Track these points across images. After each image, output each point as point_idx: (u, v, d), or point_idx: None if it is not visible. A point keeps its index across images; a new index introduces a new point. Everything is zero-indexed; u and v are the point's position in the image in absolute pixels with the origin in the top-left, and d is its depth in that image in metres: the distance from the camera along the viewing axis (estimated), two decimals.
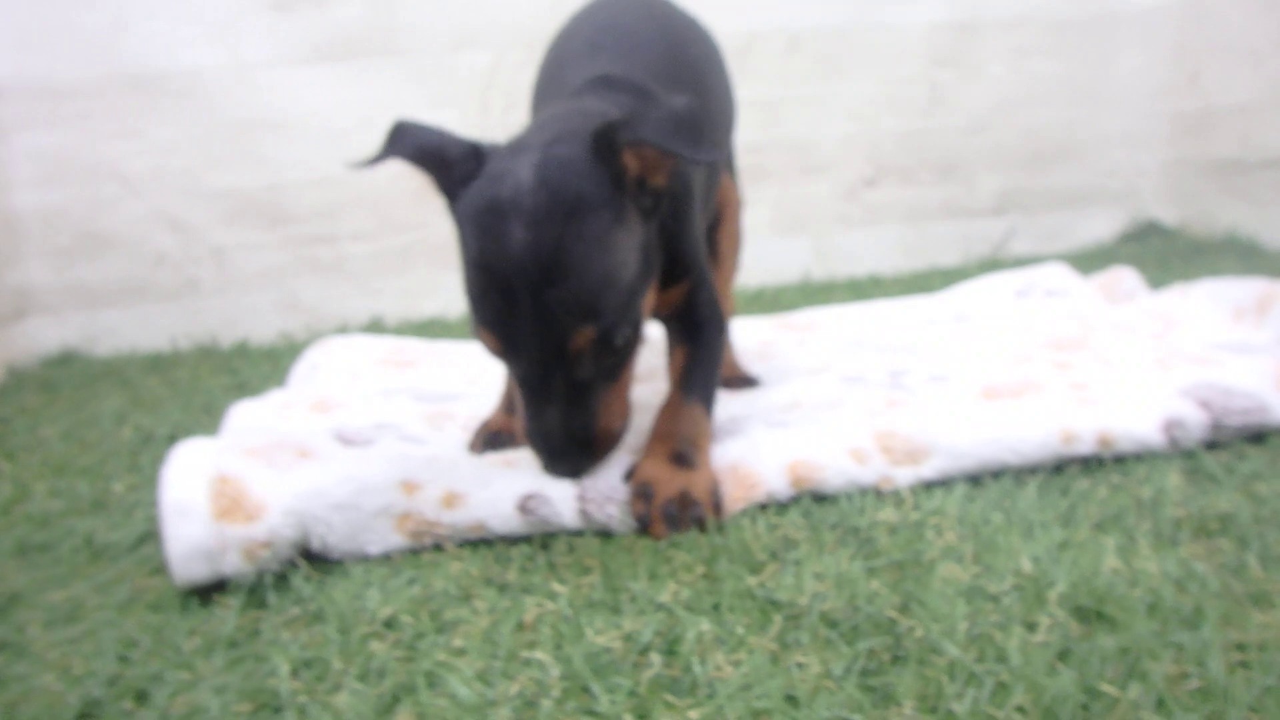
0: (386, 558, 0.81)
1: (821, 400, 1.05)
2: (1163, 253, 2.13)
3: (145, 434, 1.24)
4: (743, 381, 1.23)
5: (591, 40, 1.04)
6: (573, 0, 1.78)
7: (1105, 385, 0.99)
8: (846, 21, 2.14)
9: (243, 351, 1.80)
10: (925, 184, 2.28)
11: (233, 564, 0.74)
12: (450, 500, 0.81)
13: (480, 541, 0.82)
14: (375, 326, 1.91)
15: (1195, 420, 0.90)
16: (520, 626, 0.68)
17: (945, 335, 1.36)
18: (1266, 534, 0.73)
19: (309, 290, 1.93)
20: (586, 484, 0.82)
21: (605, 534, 0.82)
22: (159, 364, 1.71)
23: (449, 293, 1.90)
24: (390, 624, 0.69)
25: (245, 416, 1.10)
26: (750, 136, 2.09)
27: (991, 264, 2.24)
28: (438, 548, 0.82)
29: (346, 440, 0.98)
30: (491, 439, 0.99)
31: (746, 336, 1.44)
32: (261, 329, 1.90)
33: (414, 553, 0.81)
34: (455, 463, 0.87)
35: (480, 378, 1.32)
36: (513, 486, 0.82)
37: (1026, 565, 0.69)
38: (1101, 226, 2.39)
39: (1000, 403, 0.98)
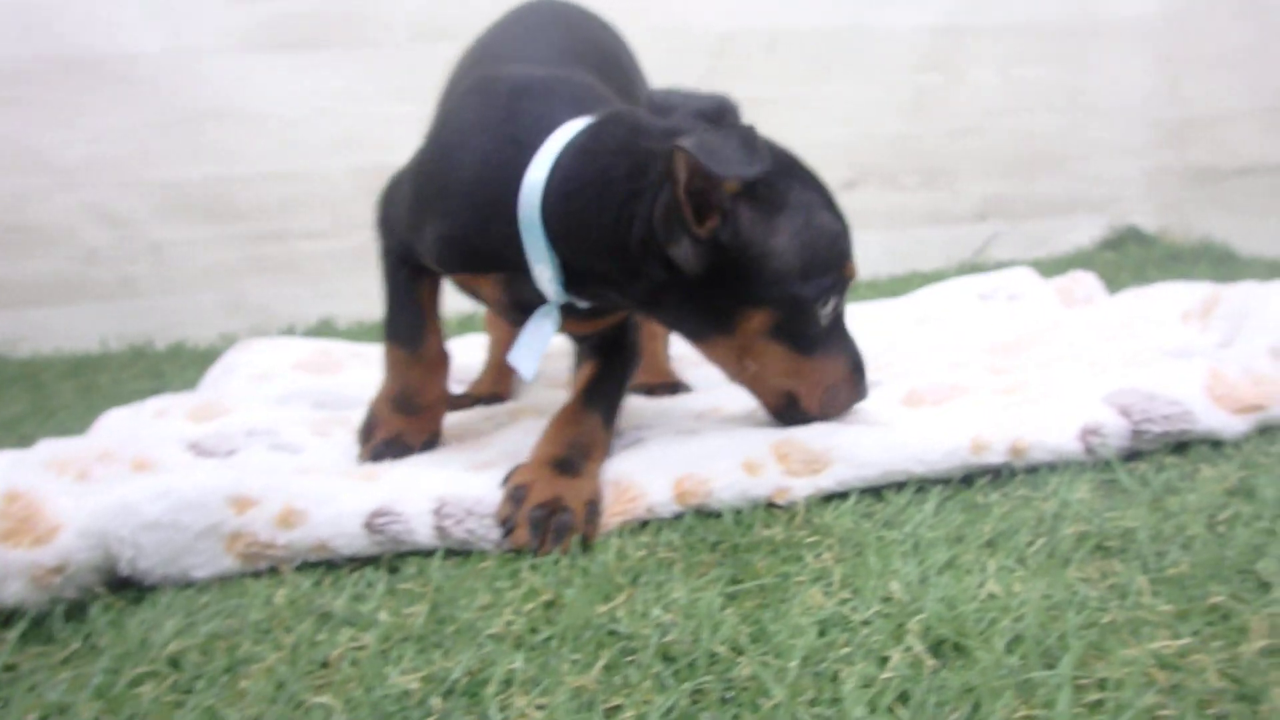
0: (213, 583, 0.74)
1: (743, 408, 0.98)
2: (1140, 260, 2.07)
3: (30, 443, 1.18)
4: (669, 388, 1.17)
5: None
6: None
7: (1033, 391, 0.92)
8: (829, 23, 2.09)
9: (177, 354, 1.75)
10: (908, 188, 2.22)
11: (15, 592, 0.67)
12: (288, 518, 0.74)
13: (324, 563, 0.76)
14: (326, 329, 1.86)
15: (1114, 428, 0.83)
16: (322, 665, 0.61)
17: (900, 339, 1.30)
18: (1166, 553, 0.66)
19: (256, 290, 1.88)
20: (446, 497, 0.76)
21: (465, 553, 0.76)
22: (82, 367, 1.66)
23: None
24: (175, 662, 0.63)
25: (114, 426, 1.05)
26: None
27: (972, 269, 2.18)
28: (274, 570, 0.75)
29: (204, 451, 0.93)
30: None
31: None
32: (203, 330, 1.85)
33: (253, 575, 0.75)
34: (298, 475, 0.81)
35: None
36: (360, 502, 0.76)
37: (896, 590, 0.62)
38: (1083, 233, 2.33)
39: (921, 410, 0.92)
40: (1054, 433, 0.82)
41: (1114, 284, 1.88)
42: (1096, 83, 2.24)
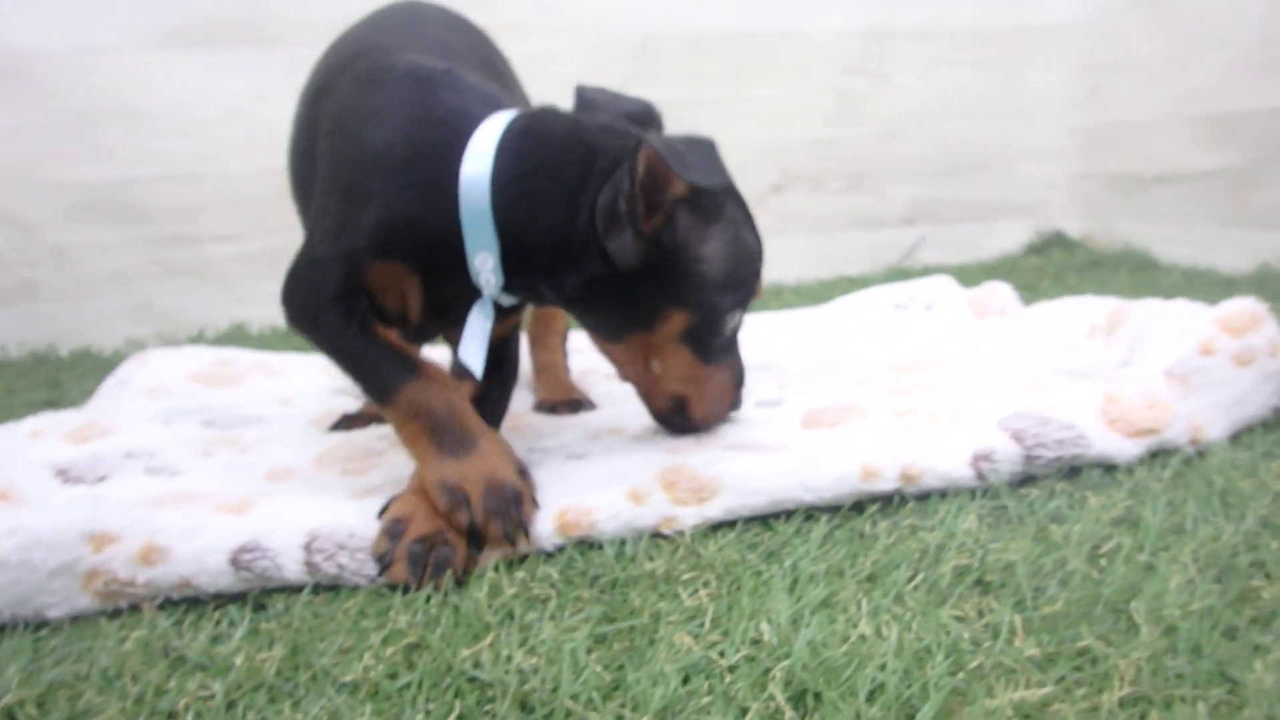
0: (65, 623, 0.69)
1: (642, 427, 0.96)
2: (1062, 266, 2.09)
3: None
4: (570, 406, 1.14)
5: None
6: None
7: (929, 414, 0.91)
8: (753, 27, 2.07)
9: (81, 360, 1.66)
10: (834, 192, 2.21)
11: None
12: (149, 555, 0.70)
13: (187, 601, 0.71)
14: (238, 334, 1.78)
15: (1006, 453, 0.82)
16: (168, 717, 0.57)
17: (811, 351, 1.28)
18: (1044, 589, 0.65)
19: (164, 295, 1.80)
20: (318, 530, 0.72)
21: (336, 588, 0.72)
22: None
23: None
24: (10, 715, 0.58)
25: None
26: None
27: (899, 274, 2.19)
28: (135, 608, 0.71)
29: (72, 478, 0.87)
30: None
31: None
32: (108, 337, 1.76)
33: (111, 615, 0.70)
34: (162, 508, 0.76)
35: (299, 398, 1.21)
36: (227, 537, 0.71)
37: (766, 632, 0.60)
38: (1009, 238, 2.36)
39: (817, 432, 0.90)
40: (945, 459, 0.80)
41: (1036, 290, 1.91)
42: (1020, 88, 2.26)
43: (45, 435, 0.99)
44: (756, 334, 1.41)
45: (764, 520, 0.78)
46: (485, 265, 0.81)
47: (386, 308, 0.84)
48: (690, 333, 0.84)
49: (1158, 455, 0.86)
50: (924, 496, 0.80)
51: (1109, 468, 0.84)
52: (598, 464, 0.83)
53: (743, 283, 0.86)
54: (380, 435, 1.02)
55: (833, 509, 0.79)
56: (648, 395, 0.91)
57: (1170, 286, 1.80)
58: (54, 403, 1.36)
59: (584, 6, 1.95)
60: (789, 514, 0.78)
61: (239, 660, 0.62)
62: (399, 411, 0.79)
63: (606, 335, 0.88)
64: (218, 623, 0.69)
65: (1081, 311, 1.22)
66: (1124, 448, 0.84)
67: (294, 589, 0.72)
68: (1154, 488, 0.80)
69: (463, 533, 0.72)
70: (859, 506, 0.79)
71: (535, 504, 0.76)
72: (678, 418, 0.90)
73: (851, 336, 1.31)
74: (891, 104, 2.19)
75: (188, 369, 1.29)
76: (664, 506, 0.76)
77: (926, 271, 2.20)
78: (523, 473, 0.77)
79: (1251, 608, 0.62)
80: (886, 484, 0.79)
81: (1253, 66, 1.84)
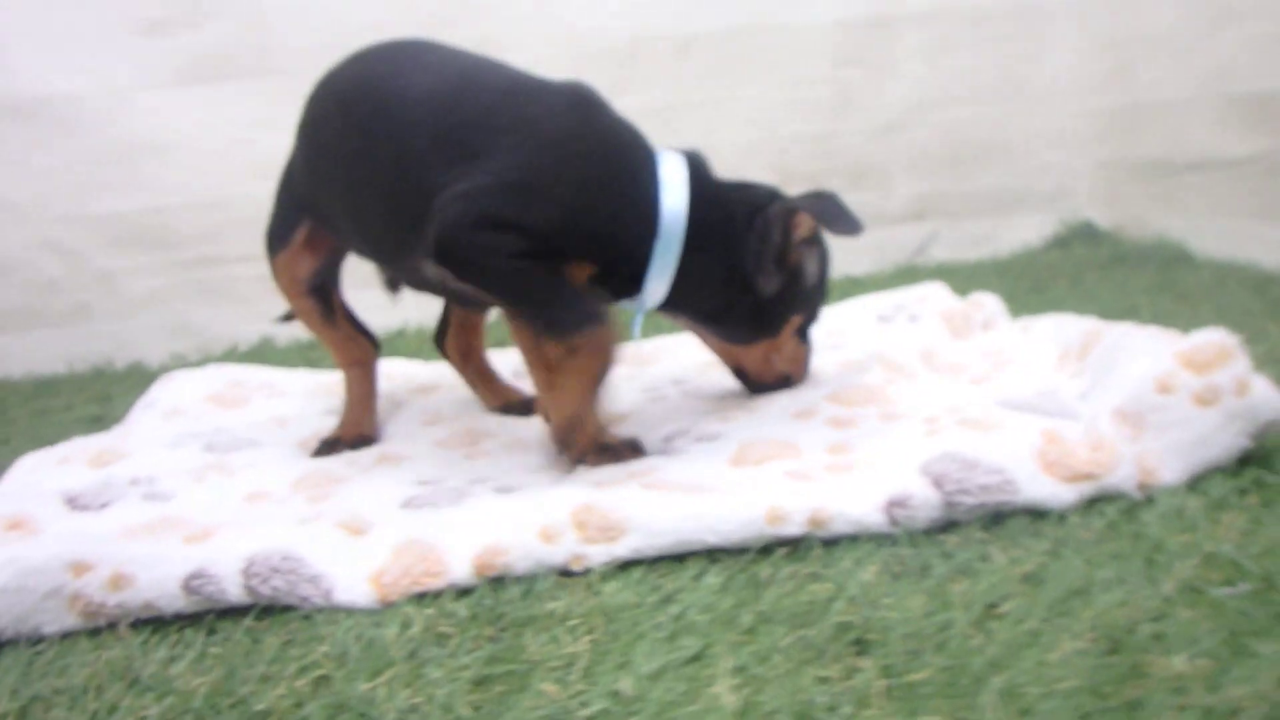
0: (57, 640, 0.78)
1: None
2: (1081, 263, 1.99)
3: None
4: (524, 406, 1.22)
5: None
6: (451, 10, 1.73)
7: (858, 452, 0.92)
8: (743, 23, 2.02)
9: (134, 374, 1.80)
10: (836, 189, 2.15)
11: None
12: (117, 582, 0.78)
13: (154, 620, 0.79)
14: (264, 349, 1.89)
15: (923, 499, 0.81)
16: None
17: None
18: (920, 653, 0.63)
19: (198, 313, 1.92)
20: (256, 556, 0.79)
21: (286, 609, 0.78)
22: (42, 390, 1.72)
23: None
24: None
25: (29, 471, 1.10)
26: None
27: (909, 272, 2.13)
28: (113, 626, 0.79)
29: (79, 505, 0.98)
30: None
31: None
32: (155, 352, 1.90)
33: (93, 632, 0.79)
34: (132, 539, 0.84)
35: (294, 420, 1.29)
36: (180, 565, 0.79)
37: (626, 688, 0.62)
38: (1030, 230, 2.25)
39: (743, 470, 0.92)
40: (857, 503, 0.79)
41: (1045, 293, 1.81)
42: (1039, 69, 2.13)
43: (71, 461, 1.11)
44: None
45: (676, 559, 0.81)
46: (658, 284, 0.98)
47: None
48: (802, 328, 1.11)
49: (1098, 502, 0.82)
50: (834, 541, 0.79)
51: (1040, 514, 0.80)
52: (517, 499, 0.87)
53: (827, 281, 1.13)
54: (349, 461, 1.09)
55: (740, 551, 0.80)
56: (759, 378, 1.12)
57: (1200, 285, 1.67)
58: (101, 419, 1.48)
59: (566, 16, 1.94)
60: (696, 554, 0.80)
61: (179, 684, 0.69)
62: (584, 342, 0.90)
63: (736, 342, 1.09)
64: (175, 644, 0.75)
65: (1060, 332, 1.18)
66: (1057, 494, 0.81)
67: (241, 610, 0.78)
68: (1080, 539, 0.77)
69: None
70: (768, 549, 0.80)
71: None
72: (780, 386, 1.12)
73: (818, 357, 1.31)
74: (894, 94, 2.10)
75: (204, 390, 1.39)
76: (574, 545, 0.80)
77: (940, 269, 2.14)
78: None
79: (1133, 686, 0.57)
80: (794, 528, 0.79)
81: None
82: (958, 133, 2.16)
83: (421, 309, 1.96)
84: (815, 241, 1.06)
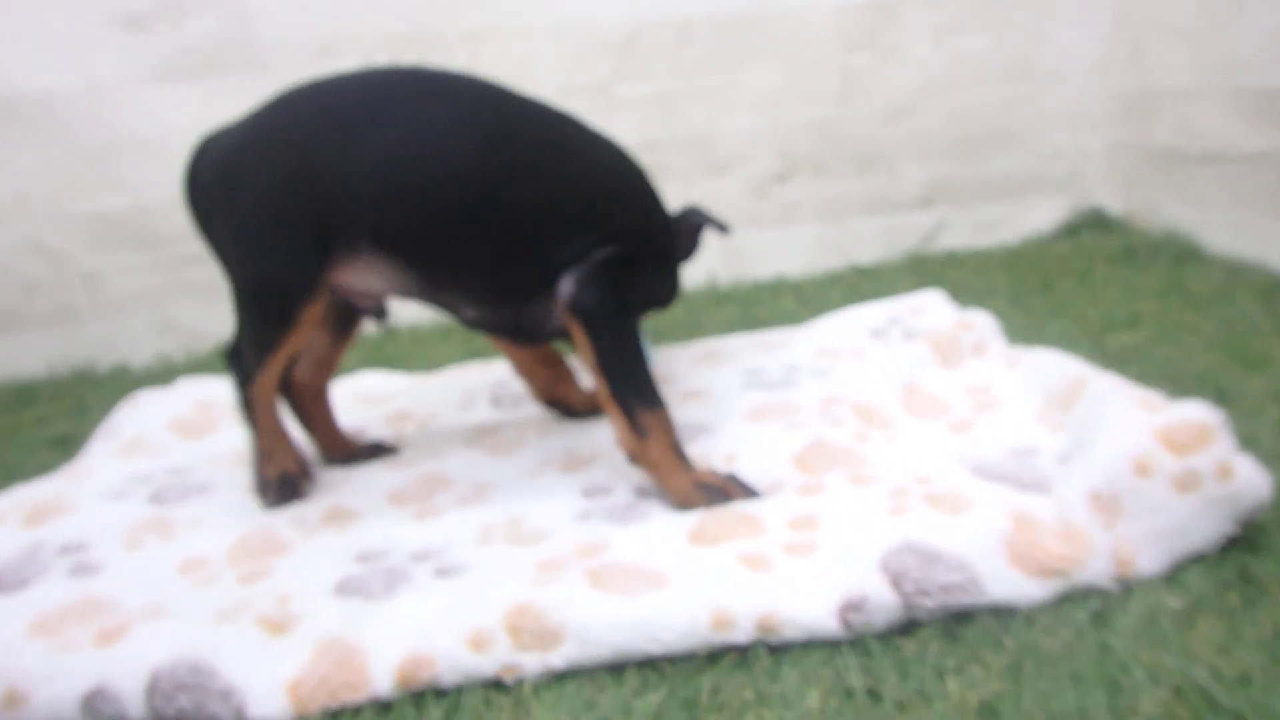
0: None
1: (535, 530, 0.90)
2: (1092, 254, 1.84)
3: None
4: (372, 449, 1.15)
5: None
6: (434, 2, 1.51)
7: (819, 530, 0.82)
8: (744, 8, 1.86)
9: (116, 377, 1.73)
10: (843, 177, 2.01)
11: None
12: (12, 699, 0.71)
13: None
14: None
15: (880, 603, 0.72)
16: None
17: (750, 410, 1.12)
18: None
19: (185, 312, 1.84)
20: (160, 670, 0.71)
21: None
22: (21, 398, 1.65)
23: None
24: None
25: None
26: (644, 134, 1.88)
27: (918, 259, 2.00)
28: None
29: None
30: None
31: None
32: (140, 353, 1.83)
33: None
34: (22, 647, 0.75)
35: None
36: (80, 680, 0.71)
37: None
38: (1041, 216, 2.10)
39: (699, 550, 0.82)
40: (808, 608, 0.70)
41: (1052, 291, 1.69)
42: (1047, 50, 1.95)
43: (7, 519, 1.02)
44: (708, 372, 1.31)
45: (615, 669, 0.72)
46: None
47: None
48: None
49: (1066, 600, 0.73)
50: (784, 649, 0.71)
51: (1008, 611, 0.72)
52: (452, 593, 0.78)
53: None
54: (296, 520, 1.00)
55: (687, 659, 0.72)
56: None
57: (1212, 286, 1.56)
58: (68, 440, 1.42)
59: (565, 3, 1.79)
60: (639, 665, 0.72)
61: None
62: (659, 423, 0.93)
63: None
64: None
65: (1045, 374, 1.06)
66: (1025, 590, 0.72)
67: None
68: (1043, 651, 0.68)
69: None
70: (714, 657, 0.72)
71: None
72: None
73: (799, 388, 1.19)
74: (901, 78, 1.94)
75: (169, 416, 1.31)
76: (506, 653, 0.71)
77: (949, 258, 2.00)
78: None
79: None
80: (741, 635, 0.71)
81: None
82: (966, 117, 1.99)
83: (415, 310, 1.86)
84: None
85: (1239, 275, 1.59)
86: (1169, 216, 1.90)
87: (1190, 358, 1.23)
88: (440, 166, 0.92)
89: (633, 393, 0.93)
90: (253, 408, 1.06)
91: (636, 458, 0.93)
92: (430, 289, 0.99)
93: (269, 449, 1.07)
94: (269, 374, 1.03)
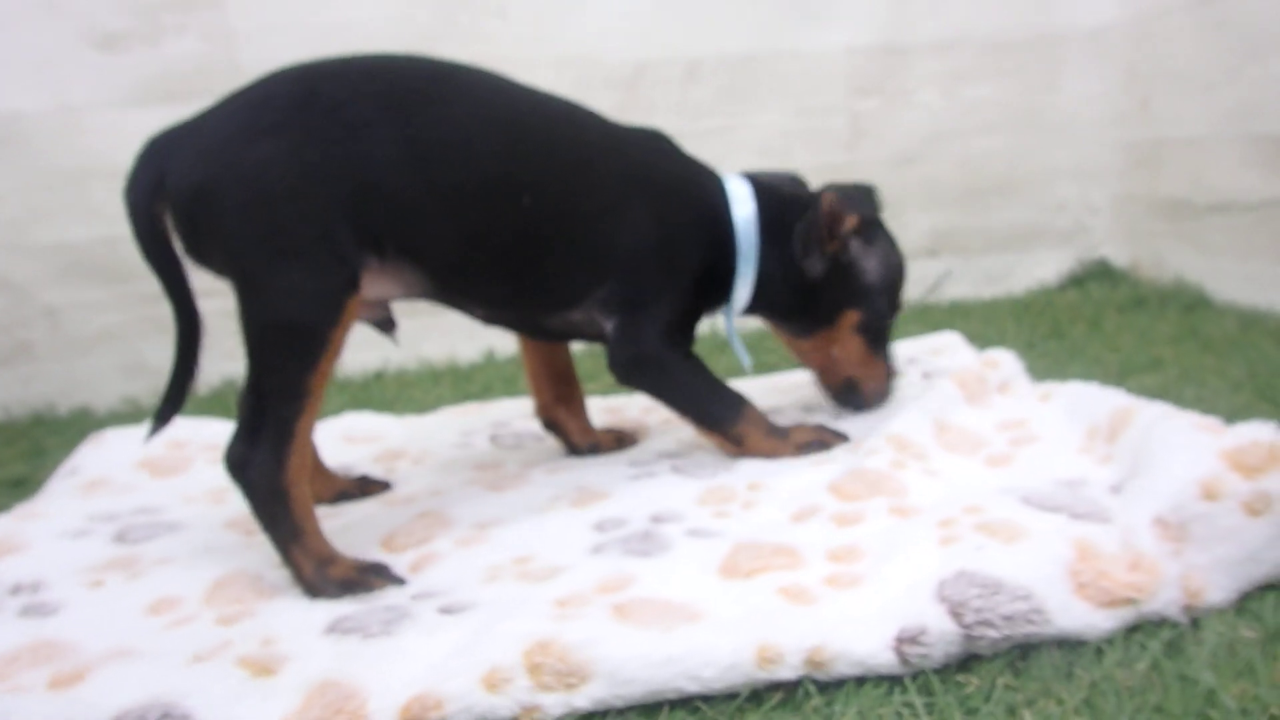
0: None
1: (547, 567, 0.84)
2: (1101, 304, 1.87)
3: None
4: (363, 484, 1.12)
5: None
6: (431, 30, 1.53)
7: (863, 562, 0.78)
8: (753, 48, 1.91)
9: (77, 420, 1.66)
10: None
11: None
12: None
13: None
14: (227, 392, 1.76)
15: (939, 633, 0.68)
16: None
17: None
18: None
19: (155, 352, 1.78)
20: (124, 717, 0.65)
21: None
22: None
23: None
24: None
25: None
26: None
27: (923, 309, 2.01)
28: None
29: None
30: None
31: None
32: (103, 395, 1.76)
33: None
34: None
35: (235, 490, 1.15)
36: None
37: None
38: (1047, 267, 2.14)
39: (732, 583, 0.78)
40: (863, 638, 0.67)
41: (1065, 337, 1.70)
42: (1055, 101, 2.03)
43: None
44: None
45: (648, 709, 0.67)
46: (745, 287, 1.12)
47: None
48: (861, 326, 1.15)
49: (1137, 631, 0.70)
50: (836, 685, 0.67)
51: (1076, 643, 0.69)
52: (461, 628, 0.73)
53: (895, 289, 1.18)
54: (279, 562, 0.94)
55: (728, 698, 0.67)
56: (826, 378, 1.21)
57: (1223, 334, 1.58)
58: (23, 483, 1.35)
59: (568, 37, 1.83)
60: (673, 705, 0.67)
61: None
62: (747, 424, 1.06)
63: (799, 335, 1.19)
64: None
65: (1084, 406, 1.05)
66: (1093, 622, 0.69)
67: None
68: (1120, 685, 0.64)
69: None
70: (758, 695, 0.68)
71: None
72: (850, 395, 1.20)
73: (824, 416, 1.18)
74: (910, 124, 2.00)
75: (137, 454, 1.25)
76: (525, 693, 0.66)
77: (954, 308, 2.02)
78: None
79: None
80: (789, 671, 0.66)
81: None
82: (973, 165, 2.05)
83: (402, 350, 1.83)
84: (872, 240, 1.15)
85: (1253, 322, 1.62)
86: (1176, 266, 1.94)
87: (1218, 398, 1.23)
88: (471, 169, 0.92)
89: (711, 415, 1.05)
90: (287, 500, 0.84)
91: (741, 456, 1.06)
92: (448, 292, 0.98)
93: (317, 550, 0.85)
94: (299, 442, 0.84)
